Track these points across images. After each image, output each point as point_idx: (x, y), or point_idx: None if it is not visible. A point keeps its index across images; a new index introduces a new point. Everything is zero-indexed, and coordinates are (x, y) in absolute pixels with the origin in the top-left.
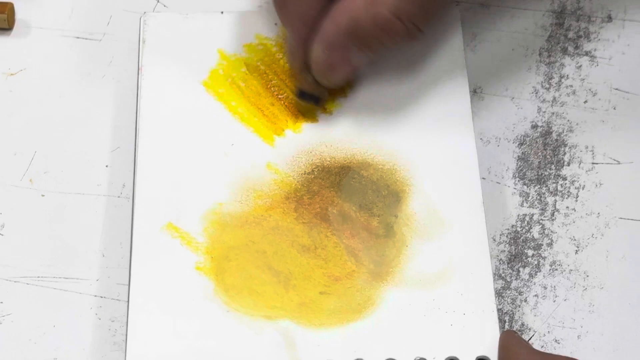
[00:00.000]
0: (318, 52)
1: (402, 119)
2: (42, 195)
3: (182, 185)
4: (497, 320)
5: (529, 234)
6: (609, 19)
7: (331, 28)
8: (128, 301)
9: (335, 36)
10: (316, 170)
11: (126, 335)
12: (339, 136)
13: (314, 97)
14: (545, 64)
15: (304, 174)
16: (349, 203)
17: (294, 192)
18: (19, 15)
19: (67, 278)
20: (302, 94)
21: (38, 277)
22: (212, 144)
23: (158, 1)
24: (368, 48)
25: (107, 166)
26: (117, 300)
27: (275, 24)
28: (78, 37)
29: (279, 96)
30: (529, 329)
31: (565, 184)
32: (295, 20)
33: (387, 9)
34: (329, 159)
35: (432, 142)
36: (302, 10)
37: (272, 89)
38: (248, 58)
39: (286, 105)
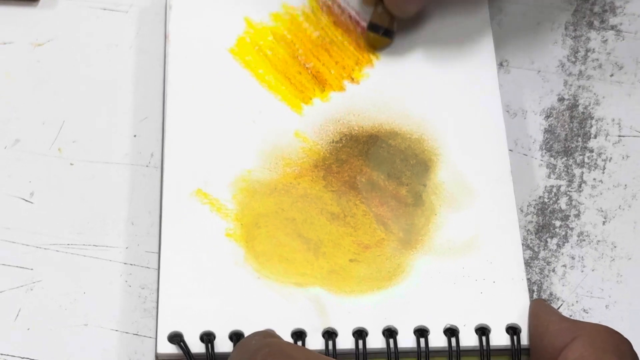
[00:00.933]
0: None
1: (429, 88)
2: (71, 164)
3: (210, 152)
4: (526, 289)
5: (556, 205)
6: None
7: None
8: (158, 267)
9: None
10: (344, 139)
11: (157, 301)
12: (367, 105)
13: (384, 29)
14: (571, 38)
15: (332, 142)
16: (378, 172)
17: (322, 161)
18: None
19: (96, 246)
20: (373, 26)
21: (68, 244)
22: (240, 112)
23: None
24: None
25: (135, 136)
26: (147, 267)
27: None
28: (105, 9)
29: (306, 65)
30: (557, 298)
31: (592, 156)
32: None
33: None
34: (357, 128)
35: (459, 112)
36: None
37: (299, 57)
38: (275, 27)
39: (313, 74)
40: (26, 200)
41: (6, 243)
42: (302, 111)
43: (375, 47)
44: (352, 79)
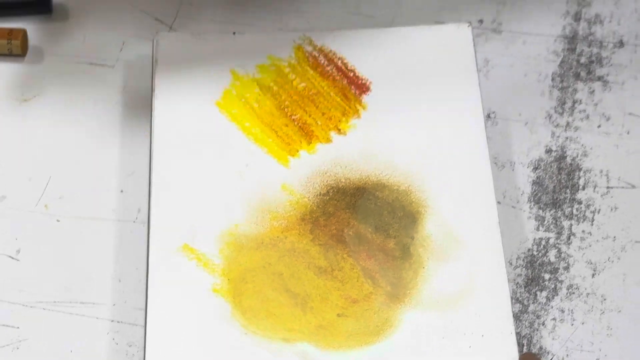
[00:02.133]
0: None
1: (416, 139)
2: (58, 221)
3: (197, 206)
4: (515, 342)
5: (545, 257)
6: (621, 44)
7: None
8: (145, 324)
9: None
10: (331, 191)
11: (144, 359)
12: (354, 157)
13: None
14: (558, 89)
15: (319, 195)
16: (365, 224)
17: (310, 214)
18: (32, 42)
19: (83, 303)
20: None
21: (54, 302)
22: (227, 165)
23: (170, 27)
24: None
25: (122, 191)
26: (134, 325)
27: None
28: (91, 63)
29: (293, 117)
30: (548, 352)
31: (581, 207)
32: None
33: None
34: (344, 180)
35: (447, 163)
36: None
37: (285, 109)
38: (261, 79)
39: (300, 126)
40: (12, 258)
41: None
42: (289, 164)
43: None
44: (339, 130)
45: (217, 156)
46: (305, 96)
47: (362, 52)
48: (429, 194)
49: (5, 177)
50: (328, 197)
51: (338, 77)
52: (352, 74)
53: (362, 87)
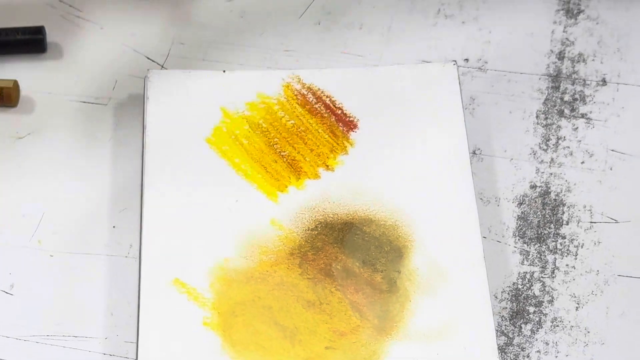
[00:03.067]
0: None
1: (403, 176)
2: (51, 256)
3: (187, 241)
4: None
5: (530, 291)
6: (604, 82)
7: None
8: (137, 358)
9: None
10: (319, 226)
11: None
12: (342, 193)
13: None
14: (543, 126)
15: (308, 230)
16: (353, 259)
17: (298, 248)
18: (25, 80)
19: (76, 337)
20: None
21: (47, 335)
22: (217, 201)
23: (162, 66)
24: None
25: (114, 227)
26: (126, 358)
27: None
28: (84, 102)
29: (282, 153)
30: None
31: (565, 242)
32: None
33: None
34: (331, 216)
35: (433, 199)
36: None
37: (274, 146)
38: (251, 116)
39: (289, 163)
40: (6, 292)
41: None
42: (278, 199)
43: None
44: (327, 167)
45: (208, 192)
46: (294, 133)
47: (349, 90)
48: (415, 229)
49: None
50: (316, 232)
51: (326, 115)
52: (339, 112)
53: (350, 125)
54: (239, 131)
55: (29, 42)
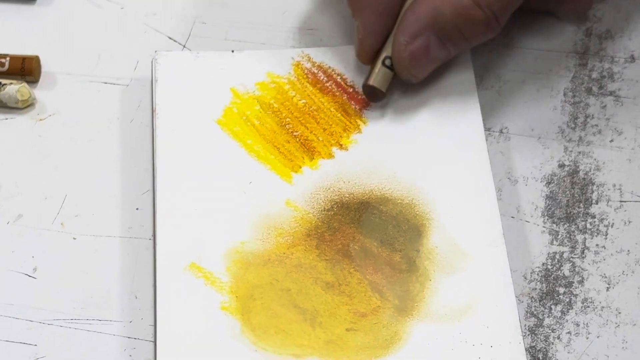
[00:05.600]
0: (399, 43)
1: (418, 153)
2: (74, 239)
3: (202, 225)
4: (524, 352)
5: (559, 271)
6: (632, 59)
7: (411, 17)
8: (155, 344)
9: (416, 25)
10: (335, 206)
11: None
12: (357, 172)
13: (376, 92)
14: (570, 104)
15: (324, 210)
16: (370, 239)
17: (315, 229)
18: (45, 67)
19: (100, 320)
20: (365, 88)
21: (71, 319)
22: (230, 183)
23: (184, 46)
24: (448, 39)
25: (137, 209)
26: (151, 341)
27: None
28: (106, 83)
29: (294, 133)
30: None
31: (594, 222)
32: (365, 9)
33: None
34: (347, 195)
35: (449, 176)
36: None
37: (286, 126)
38: (261, 96)
39: (302, 143)
40: (29, 276)
41: (9, 319)
42: (292, 180)
43: (371, 101)
44: (341, 146)
45: (221, 174)
46: (306, 112)
47: (361, 67)
48: (433, 207)
49: (22, 196)
50: (332, 213)
51: (338, 93)
52: (351, 90)
53: (362, 102)
54: (250, 112)
55: None
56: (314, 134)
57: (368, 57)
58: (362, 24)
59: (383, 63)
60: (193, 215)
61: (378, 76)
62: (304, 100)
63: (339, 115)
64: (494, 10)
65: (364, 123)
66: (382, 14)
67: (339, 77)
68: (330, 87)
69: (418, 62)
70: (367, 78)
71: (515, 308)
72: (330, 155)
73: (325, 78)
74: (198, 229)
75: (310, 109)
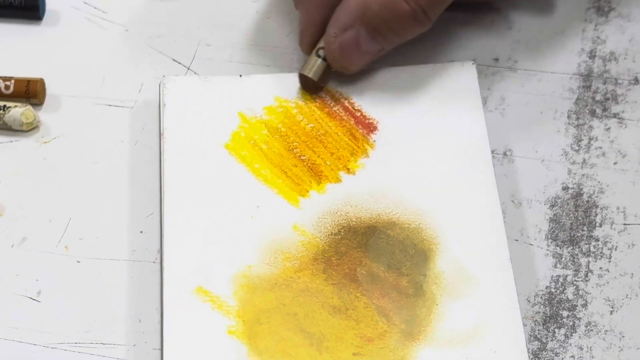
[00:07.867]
0: (329, 35)
1: (425, 177)
2: (78, 262)
3: (210, 249)
4: None
5: (563, 295)
6: (636, 81)
7: (342, 10)
8: None
9: (346, 17)
10: (342, 230)
11: None
12: (364, 196)
13: (307, 81)
14: (574, 126)
15: (331, 235)
16: (377, 263)
17: (322, 254)
18: (50, 90)
19: (104, 344)
20: (305, 81)
21: (75, 343)
22: (238, 207)
23: (188, 68)
24: (377, 32)
25: (141, 232)
26: None
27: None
28: (110, 105)
29: (302, 157)
30: None
31: (598, 245)
32: (306, 1)
33: None
34: (354, 220)
35: (456, 200)
36: None
37: (294, 150)
38: (269, 120)
39: (309, 167)
40: (33, 299)
41: (13, 343)
42: (300, 204)
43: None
44: (348, 170)
45: (228, 198)
46: (314, 137)
47: (368, 91)
48: (440, 231)
49: (26, 219)
50: (340, 237)
51: (345, 117)
52: (359, 114)
53: (370, 127)
54: (257, 136)
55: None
56: (322, 158)
57: (308, 47)
58: (303, 15)
59: (317, 54)
60: (200, 238)
61: (310, 66)
62: (311, 125)
63: (347, 139)
64: (421, 5)
65: (372, 147)
66: (321, 5)
67: (346, 101)
68: (337, 111)
69: (348, 54)
70: (302, 67)
71: (522, 332)
72: (338, 180)
73: (332, 102)
74: (205, 252)
75: (318, 133)
